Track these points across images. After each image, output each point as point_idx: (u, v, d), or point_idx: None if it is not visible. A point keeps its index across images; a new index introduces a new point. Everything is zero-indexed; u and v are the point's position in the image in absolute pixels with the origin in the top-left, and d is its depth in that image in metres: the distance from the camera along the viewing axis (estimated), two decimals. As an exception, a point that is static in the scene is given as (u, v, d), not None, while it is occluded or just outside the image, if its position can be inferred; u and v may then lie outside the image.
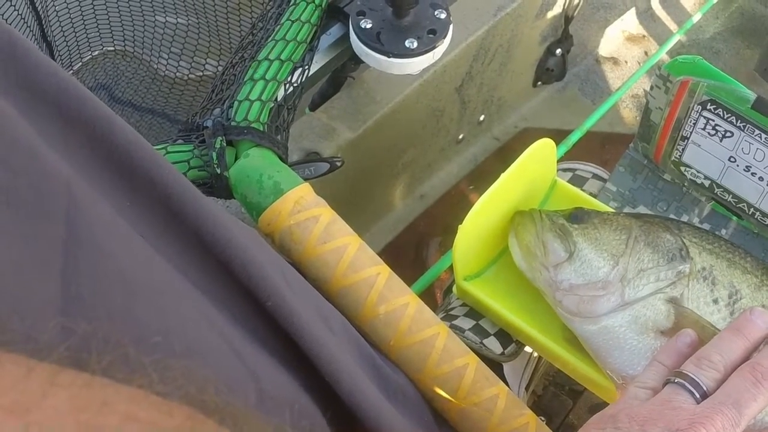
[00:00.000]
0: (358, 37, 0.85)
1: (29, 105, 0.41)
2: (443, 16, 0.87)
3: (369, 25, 0.85)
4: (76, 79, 0.44)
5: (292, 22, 0.83)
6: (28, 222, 0.34)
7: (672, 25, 1.78)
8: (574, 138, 1.20)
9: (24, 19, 1.18)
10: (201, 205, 0.49)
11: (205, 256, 0.49)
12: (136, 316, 0.37)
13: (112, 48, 1.38)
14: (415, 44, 0.85)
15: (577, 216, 0.73)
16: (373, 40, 0.85)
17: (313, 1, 0.85)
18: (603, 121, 1.27)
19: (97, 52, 1.38)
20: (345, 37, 0.89)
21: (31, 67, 0.42)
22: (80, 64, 1.37)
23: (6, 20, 1.14)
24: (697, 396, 0.54)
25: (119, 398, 0.30)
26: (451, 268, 0.78)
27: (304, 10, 0.84)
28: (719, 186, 0.86)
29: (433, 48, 0.86)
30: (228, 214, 0.53)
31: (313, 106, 1.14)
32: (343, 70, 1.06)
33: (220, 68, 1.31)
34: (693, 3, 1.81)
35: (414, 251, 1.37)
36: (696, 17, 1.45)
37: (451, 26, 0.87)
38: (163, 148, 0.73)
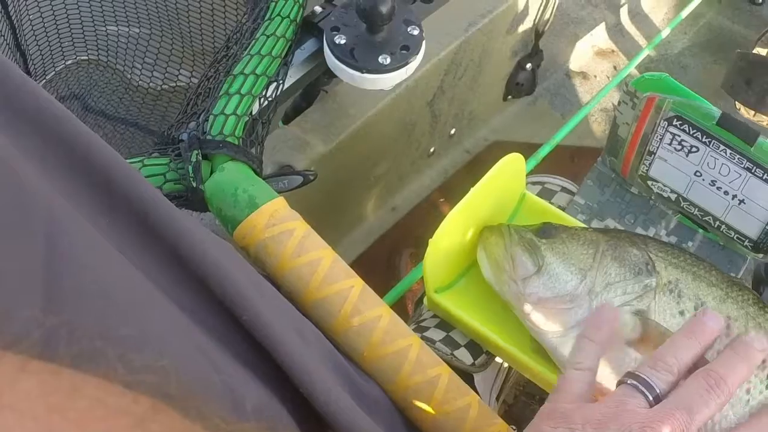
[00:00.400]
0: (332, 53, 0.86)
1: (8, 123, 0.41)
2: (416, 32, 0.89)
3: (343, 41, 0.86)
4: (54, 99, 0.45)
5: (267, 36, 0.83)
6: (9, 238, 0.35)
7: (641, 40, 1.80)
8: (543, 152, 1.21)
9: (-3, 27, 1.18)
10: (177, 221, 0.50)
11: (183, 272, 0.50)
12: (108, 317, 0.38)
13: (86, 57, 1.38)
14: (389, 60, 0.86)
15: (546, 231, 0.75)
16: (346, 55, 0.86)
17: (288, 16, 0.85)
18: (572, 135, 1.28)
19: (70, 62, 1.38)
20: (319, 52, 0.90)
21: (9, 85, 0.42)
22: (53, 73, 1.37)
23: (-22, 29, 1.14)
24: (650, 398, 0.55)
25: (87, 385, 0.31)
26: (422, 279, 0.79)
27: (279, 25, 0.85)
28: (685, 200, 0.88)
29: (406, 64, 0.87)
30: (203, 228, 0.54)
31: (287, 120, 1.15)
32: (317, 83, 1.07)
33: (193, 79, 1.32)
34: (662, 18, 1.84)
35: (386, 262, 1.38)
36: (665, 32, 1.48)
37: (424, 42, 0.88)
38: (139, 161, 0.74)
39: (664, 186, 0.89)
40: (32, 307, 0.34)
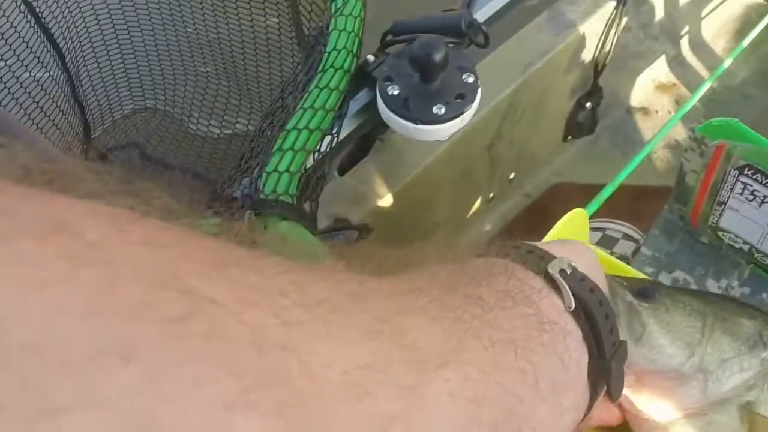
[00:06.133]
0: (386, 104, 0.84)
1: None
2: (471, 79, 0.86)
3: (396, 92, 0.84)
4: None
5: (321, 89, 0.82)
6: None
7: (703, 72, 1.76)
8: (605, 193, 1.17)
9: (56, 80, 1.20)
10: None
11: None
12: None
13: (143, 105, 1.40)
14: (443, 110, 0.83)
15: (645, 292, 0.66)
16: (400, 107, 0.84)
17: (342, 67, 0.84)
18: (633, 174, 1.24)
19: (128, 110, 1.40)
20: (373, 102, 0.88)
21: None
22: (111, 122, 1.39)
23: (38, 82, 1.16)
24: None
25: None
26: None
27: (332, 77, 0.83)
28: (759, 251, 0.84)
29: (462, 113, 0.84)
30: None
31: (342, 171, 1.13)
32: (372, 133, 1.05)
33: (250, 126, 1.32)
34: (722, 48, 1.80)
35: (446, 313, 1.35)
36: (727, 63, 1.43)
37: (480, 90, 0.86)
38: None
39: (736, 237, 0.85)
40: None
